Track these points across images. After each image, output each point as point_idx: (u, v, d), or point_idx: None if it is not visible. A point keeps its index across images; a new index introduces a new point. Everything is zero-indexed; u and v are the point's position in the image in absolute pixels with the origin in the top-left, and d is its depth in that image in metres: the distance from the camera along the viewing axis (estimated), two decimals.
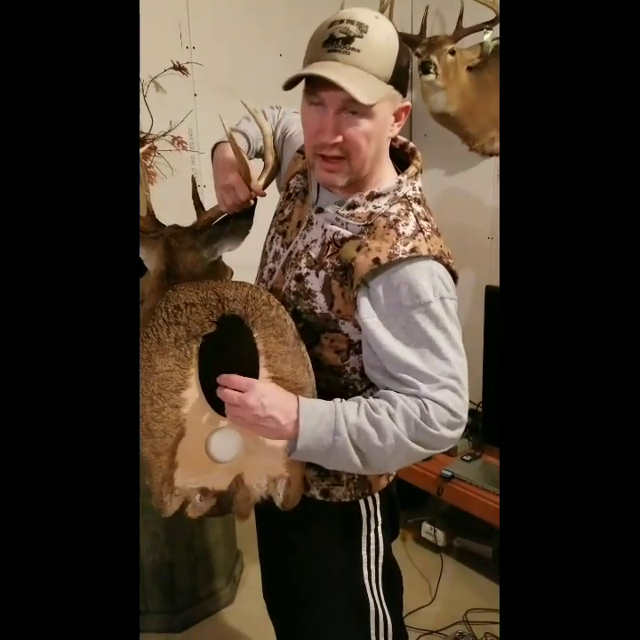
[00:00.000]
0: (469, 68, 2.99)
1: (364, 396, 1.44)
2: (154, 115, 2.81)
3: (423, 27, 3.01)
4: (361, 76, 1.29)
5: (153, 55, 2.76)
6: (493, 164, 3.31)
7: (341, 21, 1.30)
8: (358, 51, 1.28)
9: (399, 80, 1.36)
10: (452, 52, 2.91)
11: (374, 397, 1.41)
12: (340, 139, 1.35)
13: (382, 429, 1.34)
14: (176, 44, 2.89)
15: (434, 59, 2.87)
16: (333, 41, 1.29)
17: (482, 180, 3.38)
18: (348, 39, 1.28)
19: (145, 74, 2.78)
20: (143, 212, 1.63)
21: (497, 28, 2.88)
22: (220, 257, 1.65)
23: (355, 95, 1.26)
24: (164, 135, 2.86)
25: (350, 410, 1.36)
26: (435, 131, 3.20)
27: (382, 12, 3.01)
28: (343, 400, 1.40)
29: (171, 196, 2.62)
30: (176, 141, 2.90)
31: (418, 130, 3.52)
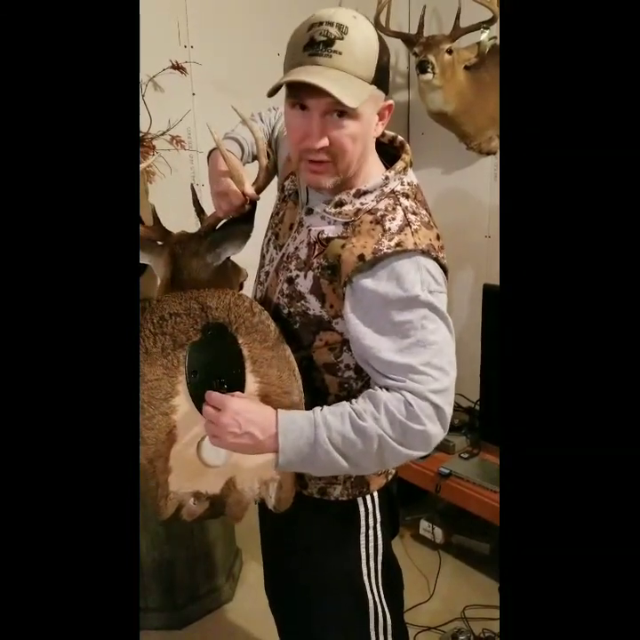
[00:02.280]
0: (467, 68, 2.99)
1: (351, 400, 1.44)
2: (152, 114, 2.81)
3: (421, 26, 3.01)
4: (344, 78, 1.29)
5: (151, 54, 2.76)
6: (490, 162, 3.32)
7: (320, 23, 1.29)
8: (340, 53, 1.28)
9: (381, 79, 1.36)
10: (450, 52, 2.91)
11: (360, 398, 1.39)
12: (325, 142, 1.35)
13: (367, 435, 1.33)
14: (174, 44, 2.89)
15: (431, 58, 2.87)
16: (314, 44, 1.29)
17: (479, 179, 3.39)
18: (329, 42, 1.28)
19: (143, 73, 2.78)
20: (150, 221, 1.64)
21: (494, 27, 2.88)
22: (230, 259, 1.65)
23: (342, 99, 1.27)
24: (162, 134, 2.87)
25: (333, 418, 1.35)
26: (432, 129, 3.21)
27: (379, 12, 3.02)
28: (324, 408, 1.39)
29: (169, 196, 2.64)
30: (174, 140, 2.90)
31: (415, 128, 3.53)
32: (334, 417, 1.36)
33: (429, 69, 2.88)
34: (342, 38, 1.28)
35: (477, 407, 3.24)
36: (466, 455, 3.20)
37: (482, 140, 3.20)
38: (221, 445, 1.42)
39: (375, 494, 1.66)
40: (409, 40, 3.04)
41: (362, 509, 1.65)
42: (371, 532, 1.67)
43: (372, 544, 1.67)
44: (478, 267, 3.38)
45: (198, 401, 1.45)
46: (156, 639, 2.74)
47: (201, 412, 1.44)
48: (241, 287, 1.74)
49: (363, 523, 1.66)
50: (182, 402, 1.47)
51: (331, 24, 1.28)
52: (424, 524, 3.26)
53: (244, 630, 2.82)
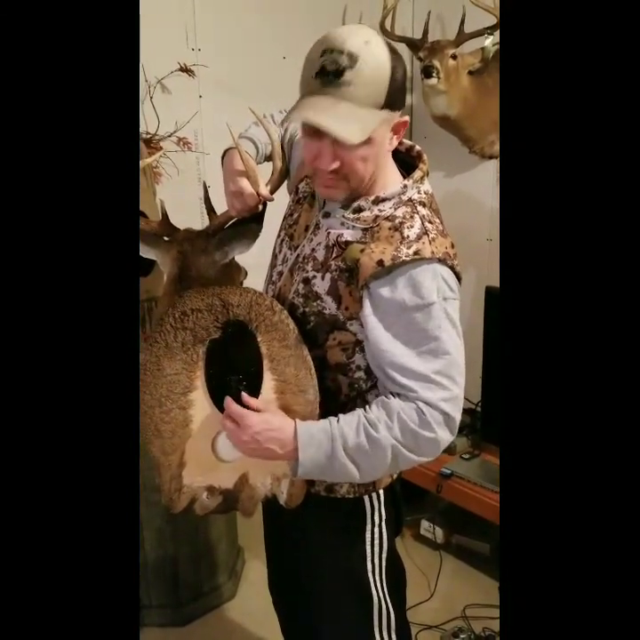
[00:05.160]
0: (470, 73, 3.02)
1: (370, 399, 1.48)
2: (160, 116, 2.85)
3: (425, 31, 3.04)
4: (351, 111, 1.31)
5: (159, 57, 2.80)
6: (493, 166, 3.35)
7: (332, 51, 1.30)
8: (349, 84, 1.30)
9: (393, 101, 1.37)
10: (454, 57, 2.94)
11: (374, 405, 1.44)
12: (337, 165, 1.39)
13: (380, 446, 1.39)
14: (182, 46, 2.92)
15: (436, 63, 2.91)
16: (325, 73, 1.31)
17: (481, 183, 3.42)
18: (339, 72, 1.30)
19: (151, 75, 2.82)
20: (157, 217, 1.66)
21: (497, 33, 2.90)
22: (234, 258, 1.68)
23: (343, 138, 1.31)
24: (169, 136, 2.90)
25: (348, 430, 1.40)
26: (435, 133, 3.23)
27: (385, 17, 3.05)
28: (340, 418, 1.43)
29: (175, 196, 2.66)
30: (181, 142, 2.93)
31: (418, 132, 3.54)
32: (350, 429, 1.41)
33: (434, 74, 2.91)
34: (352, 68, 1.30)
35: (479, 409, 3.27)
36: (467, 456, 3.23)
37: (484, 144, 3.23)
38: (243, 453, 1.47)
39: (381, 492, 1.68)
40: (413, 45, 3.07)
41: (368, 507, 1.67)
42: (376, 529, 1.69)
43: (377, 541, 1.69)
44: (480, 269, 3.40)
45: (216, 396, 1.48)
46: (159, 636, 2.75)
47: (218, 408, 1.48)
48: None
49: (368, 520, 1.68)
50: (200, 397, 1.49)
51: (341, 52, 1.30)
52: (425, 524, 3.28)
53: (246, 628, 2.82)
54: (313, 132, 1.38)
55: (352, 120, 1.32)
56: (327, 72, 1.31)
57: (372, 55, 1.31)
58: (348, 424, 1.41)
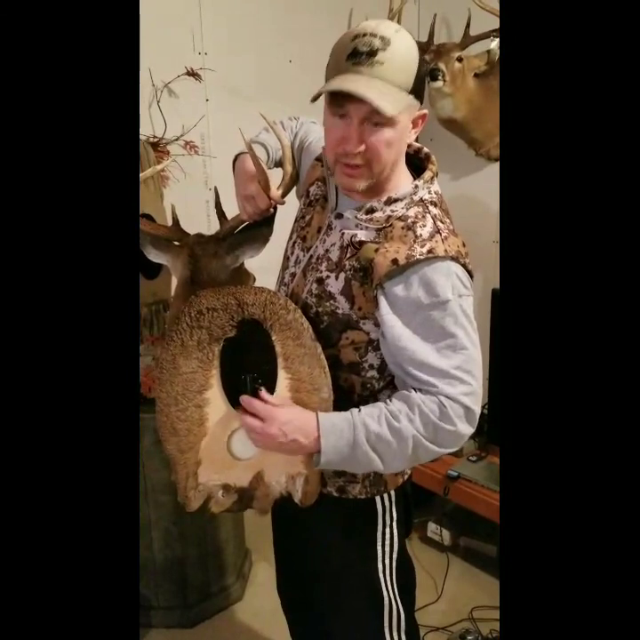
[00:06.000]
0: (476, 75, 3.03)
1: (383, 399, 1.49)
2: (167, 119, 2.87)
3: (431, 34, 3.06)
4: (384, 87, 1.33)
5: (166, 61, 2.82)
6: (499, 168, 3.34)
7: (364, 35, 1.34)
8: (382, 63, 1.32)
9: (418, 89, 1.41)
10: (460, 60, 2.95)
11: (394, 398, 1.46)
12: (362, 148, 1.40)
13: (402, 436, 1.40)
14: (189, 50, 2.94)
15: (442, 65, 2.92)
16: (357, 54, 1.33)
17: (487, 185, 3.42)
18: (372, 52, 1.32)
19: (158, 79, 2.83)
20: (165, 220, 1.68)
21: None
22: (243, 263, 1.70)
23: (380, 106, 1.31)
24: (176, 140, 2.91)
25: (370, 420, 1.42)
26: (441, 135, 3.24)
27: (391, 19, 3.06)
28: (362, 409, 1.45)
29: (182, 200, 2.67)
30: (188, 146, 2.95)
31: (424, 135, 3.52)
32: (371, 419, 1.42)
33: (440, 77, 2.93)
34: (385, 49, 1.32)
35: (485, 411, 3.27)
36: (474, 458, 3.23)
37: (490, 147, 3.24)
38: (267, 449, 1.49)
39: (392, 493, 1.69)
40: (419, 48, 3.06)
41: (379, 507, 1.68)
42: (387, 529, 1.70)
43: (388, 542, 1.70)
44: (486, 272, 3.40)
45: (231, 395, 1.48)
46: (166, 637, 2.75)
47: (233, 406, 1.49)
48: None
49: (380, 520, 1.68)
50: (215, 395, 1.50)
51: (374, 36, 1.33)
52: (432, 527, 3.28)
53: (254, 629, 2.83)
54: (340, 112, 1.39)
55: (386, 94, 1.33)
56: (360, 53, 1.33)
57: (402, 40, 1.35)
58: (370, 415, 1.43)
